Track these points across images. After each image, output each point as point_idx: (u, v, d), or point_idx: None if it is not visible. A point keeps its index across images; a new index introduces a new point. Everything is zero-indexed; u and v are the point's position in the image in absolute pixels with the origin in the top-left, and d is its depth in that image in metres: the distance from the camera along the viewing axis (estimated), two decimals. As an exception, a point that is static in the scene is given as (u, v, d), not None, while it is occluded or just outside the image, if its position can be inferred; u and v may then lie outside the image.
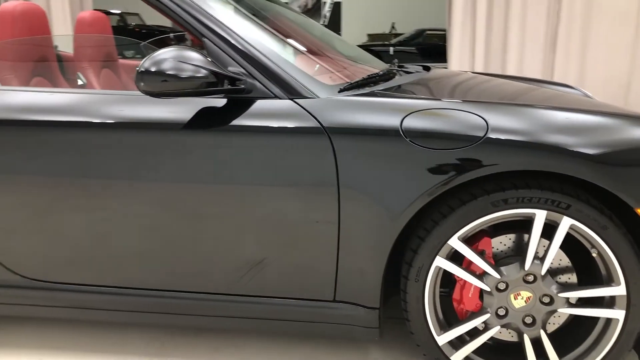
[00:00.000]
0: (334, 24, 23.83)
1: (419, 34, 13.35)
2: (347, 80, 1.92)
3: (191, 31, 1.82)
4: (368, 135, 1.67)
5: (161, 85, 1.63)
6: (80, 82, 2.80)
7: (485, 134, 1.61)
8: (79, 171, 1.81)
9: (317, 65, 2.03)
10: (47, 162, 1.81)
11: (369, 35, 16.47)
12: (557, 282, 1.74)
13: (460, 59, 5.47)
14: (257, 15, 2.14)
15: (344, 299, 1.80)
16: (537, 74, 4.95)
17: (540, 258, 1.69)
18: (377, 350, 2.08)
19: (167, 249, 1.84)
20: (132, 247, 1.85)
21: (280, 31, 2.15)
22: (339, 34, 17.18)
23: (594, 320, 1.75)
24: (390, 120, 1.67)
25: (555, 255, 1.71)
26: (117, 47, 3.15)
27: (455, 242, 1.69)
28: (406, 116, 1.67)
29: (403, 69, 2.42)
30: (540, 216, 1.64)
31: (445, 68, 4.23)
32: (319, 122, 1.69)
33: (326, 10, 15.21)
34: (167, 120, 1.76)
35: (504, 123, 1.63)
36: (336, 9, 22.28)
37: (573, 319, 1.82)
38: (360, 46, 12.91)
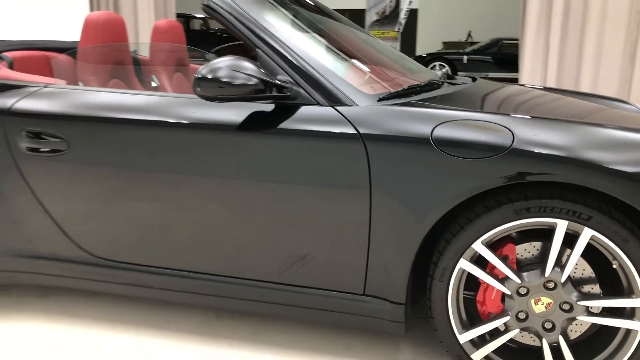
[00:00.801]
0: (410, 31, 23.78)
1: (494, 42, 13.16)
2: (389, 90, 2.06)
3: (246, 42, 2.02)
4: (400, 142, 1.80)
5: (216, 90, 1.82)
6: (154, 84, 3.07)
7: (511, 146, 1.71)
8: (145, 165, 2.03)
9: (362, 75, 2.17)
10: (118, 155, 2.05)
11: (444, 43, 16.37)
12: (578, 290, 1.79)
13: (532, 70, 5.42)
14: (309, 27, 2.31)
15: (372, 293, 1.94)
16: (613, 88, 4.85)
17: (561, 266, 1.76)
18: (407, 344, 2.19)
19: (220, 238, 2.03)
20: (189, 234, 2.06)
21: (331, 42, 2.31)
22: (414, 42, 17.11)
23: (615, 330, 1.79)
24: (422, 129, 1.79)
25: (578, 265, 1.79)
26: (199, 52, 3.43)
27: (478, 246, 1.79)
28: (437, 126, 1.79)
29: (449, 80, 2.51)
30: (561, 226, 1.71)
31: (515, 80, 4.22)
32: (355, 128, 1.84)
33: (401, 17, 15.24)
34: (223, 122, 1.95)
35: (530, 135, 1.72)
36: (412, 16, 22.24)
37: (595, 328, 1.87)
38: (432, 54, 12.89)
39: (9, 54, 2.63)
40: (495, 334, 1.86)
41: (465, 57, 12.94)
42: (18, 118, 2.13)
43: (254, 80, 1.83)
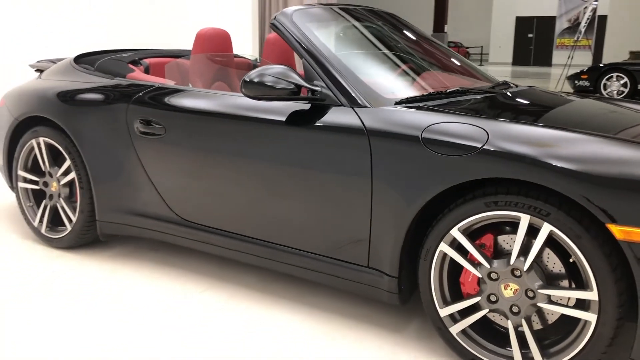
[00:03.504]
0: (599, 39, 22.03)
1: (686, 53, 11.90)
2: (410, 95, 2.38)
3: (296, 52, 2.49)
4: (396, 139, 2.13)
5: (259, 92, 2.32)
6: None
7: (484, 145, 1.96)
8: (218, 149, 2.59)
9: (388, 81, 2.52)
10: (199, 140, 2.64)
11: (631, 53, 15.09)
12: (543, 280, 1.97)
13: None
14: (356, 38, 2.70)
15: (374, 266, 2.29)
16: None
17: (525, 256, 1.96)
18: (418, 319, 2.49)
19: (268, 211, 2.52)
20: (248, 207, 2.58)
21: (373, 51, 2.68)
22: (601, 50, 15.94)
23: (577, 321, 1.94)
24: (415, 130, 2.11)
25: (549, 258, 1.97)
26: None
27: (455, 232, 2.06)
28: (427, 127, 2.09)
29: (494, 90, 2.71)
30: (524, 219, 1.92)
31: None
32: (364, 126, 2.21)
33: (582, 25, 14.42)
34: (274, 118, 2.44)
35: (502, 137, 1.95)
36: (601, 23, 20.65)
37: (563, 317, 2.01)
38: (611, 64, 12.03)
39: (147, 60, 3.40)
40: (472, 312, 2.10)
41: (646, 68, 11.89)
42: (136, 108, 2.84)
43: (291, 85, 2.30)
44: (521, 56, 29.83)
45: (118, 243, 3.40)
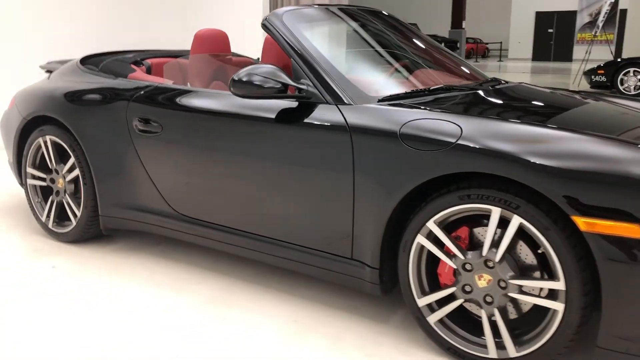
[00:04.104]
0: (618, 33, 21.69)
1: None
2: (393, 92, 2.46)
3: (285, 52, 2.58)
4: (375, 135, 2.21)
5: (246, 90, 2.41)
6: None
7: (457, 141, 2.03)
8: (213, 146, 2.70)
9: (372, 79, 2.59)
10: (194, 137, 2.75)
11: (651, 47, 14.86)
12: (515, 270, 2.03)
13: None
14: (344, 38, 2.78)
15: (357, 257, 2.37)
16: None
17: (497, 247, 2.02)
18: (403, 310, 2.57)
19: (262, 206, 2.61)
20: (241, 202, 2.68)
21: (361, 51, 2.76)
22: (621, 44, 15.67)
23: (547, 310, 1.99)
24: (393, 126, 2.18)
25: (522, 249, 2.03)
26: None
27: (431, 225, 2.13)
28: (405, 123, 2.17)
29: (480, 87, 2.77)
30: (495, 212, 1.98)
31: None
32: (346, 122, 2.29)
33: (600, 20, 14.26)
34: (264, 116, 2.53)
35: (475, 132, 2.02)
36: (624, 18, 20.34)
37: (536, 307, 2.07)
38: (628, 59, 11.85)
39: (149, 61, 3.52)
40: (448, 302, 2.17)
41: (665, 63, 11.71)
42: (135, 106, 2.96)
43: (279, 84, 2.39)
44: (541, 52, 29.52)
45: (122, 237, 3.52)
